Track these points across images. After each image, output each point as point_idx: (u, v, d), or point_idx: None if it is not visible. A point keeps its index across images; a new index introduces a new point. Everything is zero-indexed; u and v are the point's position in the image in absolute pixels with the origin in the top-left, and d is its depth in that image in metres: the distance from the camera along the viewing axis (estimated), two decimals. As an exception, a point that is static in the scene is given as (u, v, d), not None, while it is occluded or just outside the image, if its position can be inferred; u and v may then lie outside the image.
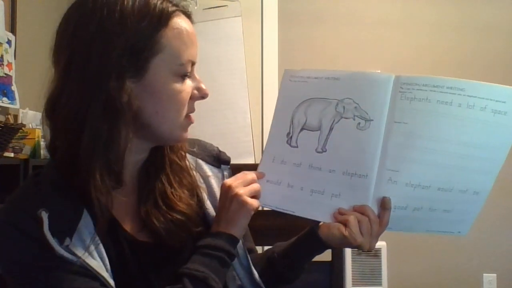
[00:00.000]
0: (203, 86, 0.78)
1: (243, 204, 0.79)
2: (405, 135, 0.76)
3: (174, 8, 0.74)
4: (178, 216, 0.79)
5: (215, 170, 0.90)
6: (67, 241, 0.68)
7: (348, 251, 2.56)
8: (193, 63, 0.77)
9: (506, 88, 0.74)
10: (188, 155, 0.88)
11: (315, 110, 0.81)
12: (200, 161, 0.90)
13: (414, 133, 0.76)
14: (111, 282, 0.70)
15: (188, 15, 0.77)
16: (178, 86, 0.74)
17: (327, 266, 1.16)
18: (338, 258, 1.17)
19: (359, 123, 0.78)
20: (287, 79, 0.85)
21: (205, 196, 0.86)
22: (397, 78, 0.76)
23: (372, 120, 0.77)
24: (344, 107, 0.79)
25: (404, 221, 0.80)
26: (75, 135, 0.70)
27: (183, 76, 0.75)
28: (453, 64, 2.72)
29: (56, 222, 0.68)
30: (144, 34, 0.70)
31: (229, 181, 0.81)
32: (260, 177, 0.83)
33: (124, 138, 0.71)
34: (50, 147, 0.74)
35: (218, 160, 0.92)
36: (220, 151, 0.93)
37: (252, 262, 0.86)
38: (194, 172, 0.87)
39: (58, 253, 0.67)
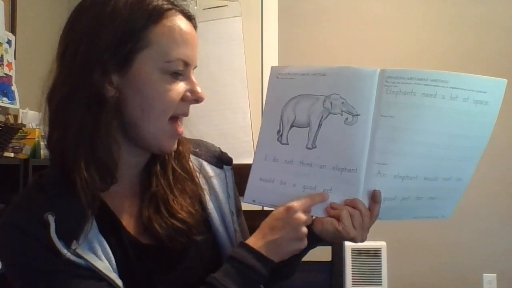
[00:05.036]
0: (198, 89, 0.77)
1: (301, 238, 0.77)
2: (392, 129, 0.77)
3: (170, 6, 0.74)
4: (179, 225, 0.78)
5: (218, 170, 0.90)
6: (74, 244, 0.68)
7: (348, 251, 2.56)
8: (186, 64, 0.75)
9: (486, 79, 0.77)
10: (192, 157, 0.87)
11: (304, 107, 0.81)
12: (204, 163, 0.89)
13: (400, 126, 0.77)
14: (119, 282, 0.70)
15: (188, 16, 0.77)
16: (166, 84, 0.73)
17: (327, 266, 1.17)
18: (338, 258, 1.17)
19: (346, 118, 0.78)
20: (274, 76, 0.85)
21: (207, 198, 0.86)
22: (382, 72, 0.77)
23: (359, 115, 0.78)
24: (331, 103, 0.79)
25: (393, 210, 0.82)
26: (65, 125, 0.71)
27: (173, 75, 0.74)
28: (454, 62, 2.71)
29: (63, 225, 0.68)
30: (131, 28, 0.71)
31: (298, 206, 0.77)
32: (325, 199, 0.81)
33: (108, 131, 0.71)
34: (48, 138, 0.75)
35: (221, 160, 0.91)
36: (222, 151, 0.93)
37: None
38: (198, 174, 0.86)
39: (64, 256, 0.67)
